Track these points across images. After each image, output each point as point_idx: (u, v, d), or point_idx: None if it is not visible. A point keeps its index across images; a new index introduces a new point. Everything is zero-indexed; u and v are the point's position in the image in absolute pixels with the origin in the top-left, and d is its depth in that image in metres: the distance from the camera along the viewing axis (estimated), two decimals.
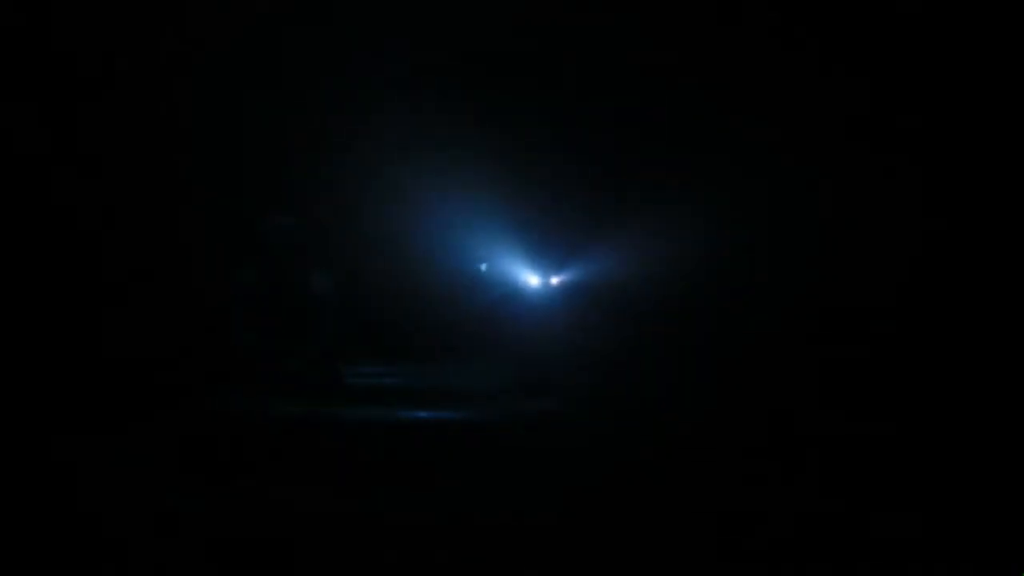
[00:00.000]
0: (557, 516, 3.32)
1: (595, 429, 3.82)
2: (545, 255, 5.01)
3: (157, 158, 4.48)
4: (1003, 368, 3.96)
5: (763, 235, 4.56)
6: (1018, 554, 2.96)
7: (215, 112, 4.63)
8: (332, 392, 4.08)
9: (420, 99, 4.92)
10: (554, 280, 4.95)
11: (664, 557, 3.14)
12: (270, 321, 4.11)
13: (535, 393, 4.20)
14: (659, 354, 4.53)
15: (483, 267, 5.05)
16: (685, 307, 4.64)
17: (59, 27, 4.20)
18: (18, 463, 3.33)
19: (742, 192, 4.54)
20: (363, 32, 4.80)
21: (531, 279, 4.95)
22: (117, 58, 4.33)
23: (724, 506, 3.37)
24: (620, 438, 3.74)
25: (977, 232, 4.23)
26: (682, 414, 3.96)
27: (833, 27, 4.37)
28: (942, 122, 4.29)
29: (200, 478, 3.38)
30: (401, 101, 4.92)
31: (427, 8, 4.77)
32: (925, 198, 4.24)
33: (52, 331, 4.02)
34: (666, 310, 4.66)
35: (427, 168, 4.90)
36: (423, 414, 3.82)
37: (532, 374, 4.36)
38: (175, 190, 4.56)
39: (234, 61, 4.60)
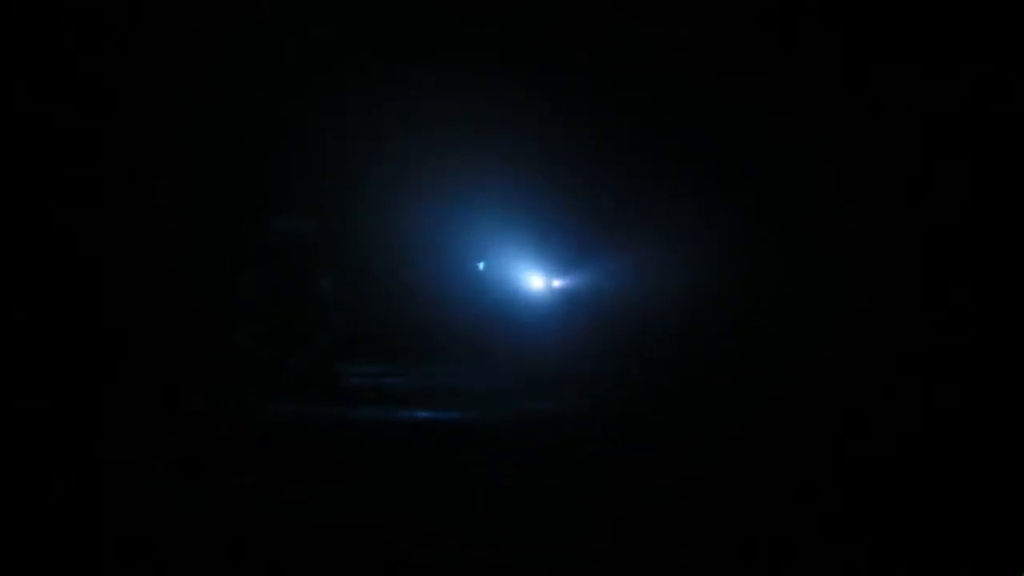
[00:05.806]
0: (557, 516, 3.31)
1: (595, 430, 3.82)
2: (547, 257, 5.02)
3: (158, 158, 4.48)
4: (1005, 370, 3.96)
5: (770, 241, 4.56)
6: (1018, 554, 2.96)
7: (217, 112, 4.63)
8: (332, 392, 4.09)
9: (421, 100, 4.93)
10: (555, 282, 4.95)
11: (665, 558, 3.15)
12: (270, 321, 4.12)
13: (535, 393, 4.20)
14: (660, 356, 4.53)
15: (481, 266, 5.06)
16: (686, 311, 4.64)
17: (59, 26, 4.20)
18: (17, 463, 3.33)
19: (749, 197, 4.54)
20: (367, 34, 4.81)
21: (532, 280, 4.96)
22: (121, 58, 4.33)
23: (727, 507, 3.37)
24: (620, 439, 3.74)
25: (983, 237, 4.22)
26: (683, 416, 3.96)
27: (845, 31, 4.36)
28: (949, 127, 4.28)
29: (200, 478, 3.38)
30: (403, 103, 4.92)
31: (433, 8, 4.77)
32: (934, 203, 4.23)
33: (52, 330, 4.02)
34: (667, 314, 4.66)
35: (428, 169, 4.91)
36: (423, 414, 3.82)
37: (532, 374, 4.36)
38: (176, 191, 4.56)
39: (241, 61, 4.60)
